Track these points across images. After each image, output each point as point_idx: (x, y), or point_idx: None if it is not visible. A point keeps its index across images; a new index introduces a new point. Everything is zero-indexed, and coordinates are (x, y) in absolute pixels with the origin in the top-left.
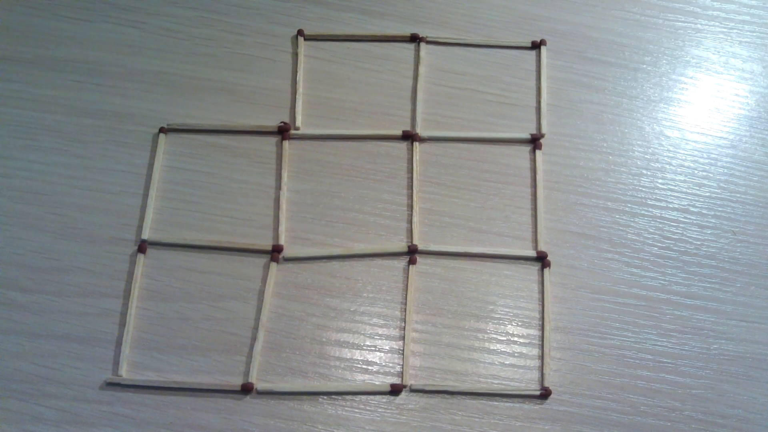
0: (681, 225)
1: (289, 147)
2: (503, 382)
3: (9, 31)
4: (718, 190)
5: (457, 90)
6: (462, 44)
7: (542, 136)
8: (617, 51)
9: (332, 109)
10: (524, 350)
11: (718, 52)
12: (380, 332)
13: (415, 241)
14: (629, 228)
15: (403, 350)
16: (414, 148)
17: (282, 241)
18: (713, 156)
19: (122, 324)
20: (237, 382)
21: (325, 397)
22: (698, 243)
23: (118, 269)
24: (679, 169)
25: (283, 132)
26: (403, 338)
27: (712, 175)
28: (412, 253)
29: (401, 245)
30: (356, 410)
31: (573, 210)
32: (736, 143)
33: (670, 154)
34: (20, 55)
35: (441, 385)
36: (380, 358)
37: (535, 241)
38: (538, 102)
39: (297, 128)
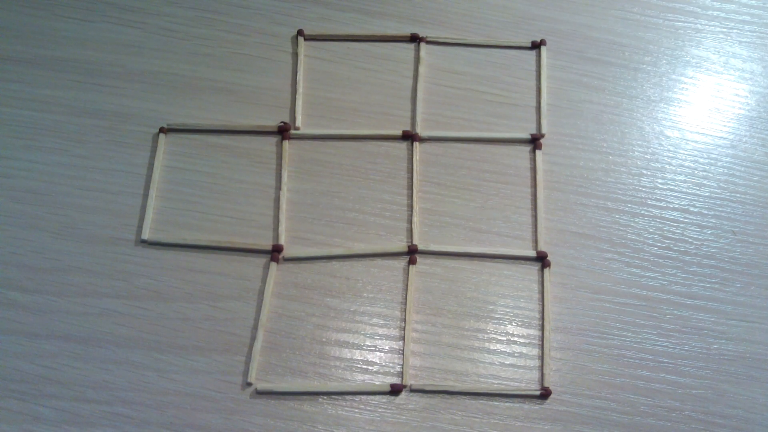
0: (681, 225)
1: (289, 147)
2: (503, 382)
3: (9, 31)
4: (718, 190)
5: (457, 90)
6: (462, 44)
7: (542, 136)
8: (617, 51)
9: (332, 109)
10: (524, 350)
11: (718, 52)
12: (380, 332)
13: (415, 241)
14: (629, 228)
15: (403, 350)
16: (414, 148)
17: (282, 241)
18: (713, 156)
19: (123, 324)
20: (237, 382)
21: (325, 397)
22: (698, 243)
23: (118, 269)
24: (679, 169)
25: (283, 132)
26: (403, 338)
27: (712, 175)
28: (412, 253)
29: (401, 245)
30: (356, 410)
31: (573, 210)
32: (736, 143)
33: (670, 154)
34: (20, 55)
35: (441, 385)
36: (380, 358)
37: (535, 241)
38: (538, 102)
39: (297, 128)
